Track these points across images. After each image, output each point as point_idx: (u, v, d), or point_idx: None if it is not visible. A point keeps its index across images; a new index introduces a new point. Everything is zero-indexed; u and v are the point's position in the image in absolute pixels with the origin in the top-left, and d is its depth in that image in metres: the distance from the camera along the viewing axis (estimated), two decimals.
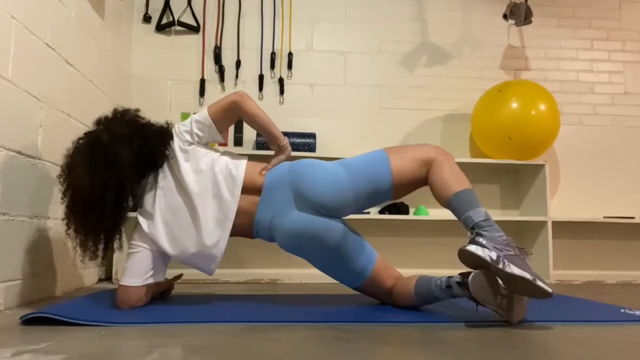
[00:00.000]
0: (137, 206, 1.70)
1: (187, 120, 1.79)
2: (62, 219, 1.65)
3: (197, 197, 1.67)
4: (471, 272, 1.46)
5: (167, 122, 1.79)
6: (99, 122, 1.71)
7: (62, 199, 1.64)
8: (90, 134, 1.68)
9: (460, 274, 1.50)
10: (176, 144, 1.72)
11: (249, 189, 1.71)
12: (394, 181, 1.70)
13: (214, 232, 1.67)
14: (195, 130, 1.75)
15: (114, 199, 1.60)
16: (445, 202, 1.65)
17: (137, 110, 1.76)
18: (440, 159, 1.70)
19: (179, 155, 1.71)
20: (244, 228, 1.73)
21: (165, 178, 1.70)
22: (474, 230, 1.52)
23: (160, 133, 1.73)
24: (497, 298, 1.42)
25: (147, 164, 1.69)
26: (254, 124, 1.78)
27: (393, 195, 1.75)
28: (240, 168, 1.73)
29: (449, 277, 1.54)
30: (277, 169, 1.76)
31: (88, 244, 1.62)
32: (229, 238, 1.72)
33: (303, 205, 1.67)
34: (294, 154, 1.91)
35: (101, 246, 1.66)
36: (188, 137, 1.75)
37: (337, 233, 1.67)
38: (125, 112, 1.73)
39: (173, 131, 1.76)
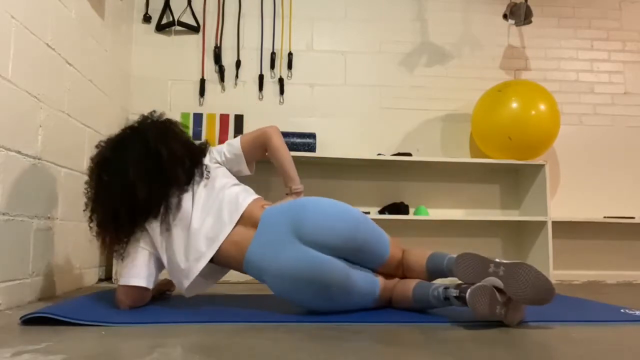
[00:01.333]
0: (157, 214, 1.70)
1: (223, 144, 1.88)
2: (87, 198, 1.68)
3: (199, 210, 1.68)
4: (467, 284, 1.45)
5: (205, 142, 1.87)
6: (147, 126, 1.74)
7: (86, 190, 1.69)
8: (143, 139, 1.69)
9: (457, 286, 1.49)
10: (206, 160, 1.80)
11: (246, 221, 1.66)
12: (390, 253, 1.71)
13: (200, 248, 1.63)
14: (225, 150, 1.84)
15: (149, 211, 1.65)
16: (424, 263, 1.69)
17: (185, 127, 1.84)
18: (410, 248, 1.78)
19: (201, 169, 1.77)
20: (234, 260, 1.65)
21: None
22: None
23: (201, 153, 1.80)
24: (496, 309, 1.43)
25: (188, 181, 1.73)
26: (276, 157, 1.83)
27: (382, 266, 1.71)
28: (247, 200, 1.72)
29: (446, 289, 1.51)
30: (278, 205, 1.72)
31: (116, 242, 1.67)
32: (219, 269, 1.74)
33: (302, 240, 1.57)
34: (293, 153, 1.91)
35: (122, 243, 1.70)
36: (216, 156, 1.83)
37: (337, 269, 1.56)
38: (175, 124, 1.78)
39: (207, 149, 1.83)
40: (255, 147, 1.85)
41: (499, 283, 1.44)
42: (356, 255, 1.63)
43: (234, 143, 1.85)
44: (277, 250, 1.57)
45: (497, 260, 1.48)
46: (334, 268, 1.56)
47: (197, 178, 1.74)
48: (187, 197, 1.70)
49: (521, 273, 1.43)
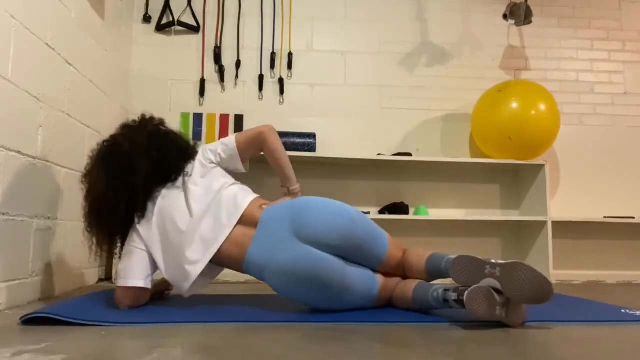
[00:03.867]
0: (144, 212, 1.70)
1: (215, 142, 1.84)
2: (84, 215, 1.71)
3: (196, 211, 1.67)
4: (465, 287, 1.44)
5: (193, 142, 1.84)
6: (123, 127, 1.75)
7: (84, 197, 1.70)
8: (112, 139, 1.72)
9: (455, 289, 1.48)
10: (198, 159, 1.77)
11: (246, 221, 1.67)
12: (389, 251, 1.71)
13: (198, 250, 1.63)
14: (220, 151, 1.80)
15: (125, 207, 1.64)
16: (423, 265, 1.67)
17: (162, 120, 1.80)
18: (411, 248, 1.77)
19: (197, 169, 1.75)
20: (234, 260, 1.66)
21: (172, 186, 1.73)
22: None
23: (182, 149, 1.77)
24: (495, 310, 1.42)
25: (163, 176, 1.72)
26: (273, 158, 1.82)
27: (380, 265, 1.71)
28: (246, 200, 1.71)
29: (446, 291, 1.51)
30: (277, 205, 1.71)
31: (103, 244, 1.69)
32: (218, 268, 1.73)
33: (301, 238, 1.59)
34: (293, 153, 1.92)
35: (118, 245, 1.72)
36: (211, 156, 1.79)
37: (335, 269, 1.58)
38: (149, 120, 1.77)
39: (199, 149, 1.81)
40: (250, 147, 1.82)
41: (496, 284, 1.44)
42: (355, 253, 1.65)
43: (229, 143, 1.81)
44: (277, 249, 1.59)
45: (493, 261, 1.47)
46: (331, 266, 1.58)
47: (187, 178, 1.72)
48: (177, 197, 1.70)
49: (518, 273, 1.42)
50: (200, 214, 1.67)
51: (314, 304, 1.64)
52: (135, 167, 1.64)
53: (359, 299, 1.66)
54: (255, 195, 1.78)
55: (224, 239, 1.63)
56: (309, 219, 1.61)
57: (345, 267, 1.61)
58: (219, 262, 1.67)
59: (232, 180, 1.80)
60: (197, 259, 1.62)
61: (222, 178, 1.77)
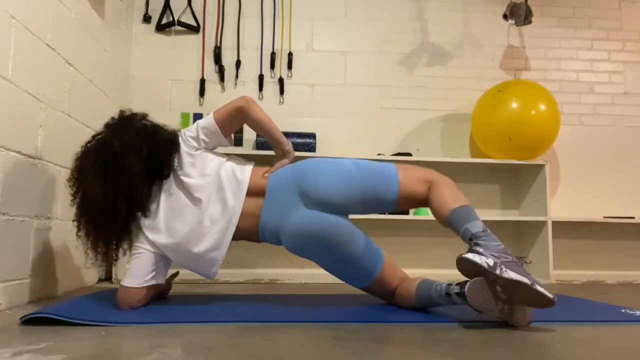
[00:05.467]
0: (144, 211, 1.70)
1: (193, 125, 1.80)
2: (73, 220, 1.67)
3: (201, 201, 1.68)
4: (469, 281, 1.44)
5: (174, 130, 1.79)
6: (107, 126, 1.72)
7: (71, 201, 1.66)
8: (100, 140, 1.68)
9: (459, 283, 1.48)
10: (183, 149, 1.74)
11: (253, 192, 1.72)
12: (400, 193, 1.72)
13: (217, 236, 1.68)
14: (202, 136, 1.77)
15: (126, 207, 1.62)
16: (445, 220, 1.66)
17: (145, 115, 1.77)
18: (441, 181, 1.76)
19: (186, 160, 1.73)
20: (250, 232, 1.73)
21: (170, 183, 1.72)
22: (472, 241, 1.53)
23: (168, 142, 1.74)
24: (497, 304, 1.41)
25: (155, 173, 1.70)
26: (259, 129, 1.82)
27: (396, 207, 1.76)
28: (246, 172, 1.74)
29: (449, 285, 1.51)
30: (280, 171, 1.77)
31: (99, 247, 1.65)
32: (234, 242, 1.73)
33: (308, 203, 1.67)
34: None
35: (112, 248, 1.69)
36: (194, 143, 1.77)
37: (343, 231, 1.66)
38: (133, 116, 1.74)
39: (179, 138, 1.77)
40: (231, 123, 1.80)
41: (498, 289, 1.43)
42: (364, 205, 1.73)
43: (209, 125, 1.77)
44: (287, 214, 1.67)
45: (497, 272, 1.40)
46: (339, 227, 1.66)
47: (177, 170, 1.71)
48: (179, 195, 1.69)
49: (520, 291, 1.40)
50: (206, 202, 1.68)
51: (323, 266, 1.74)
52: (130, 168, 1.62)
53: (362, 269, 1.70)
54: (251, 164, 1.79)
55: (238, 217, 1.69)
56: (310, 185, 1.68)
57: (354, 230, 1.68)
58: (236, 237, 1.72)
59: (223, 157, 1.80)
60: (218, 244, 1.68)
61: (213, 159, 1.76)
